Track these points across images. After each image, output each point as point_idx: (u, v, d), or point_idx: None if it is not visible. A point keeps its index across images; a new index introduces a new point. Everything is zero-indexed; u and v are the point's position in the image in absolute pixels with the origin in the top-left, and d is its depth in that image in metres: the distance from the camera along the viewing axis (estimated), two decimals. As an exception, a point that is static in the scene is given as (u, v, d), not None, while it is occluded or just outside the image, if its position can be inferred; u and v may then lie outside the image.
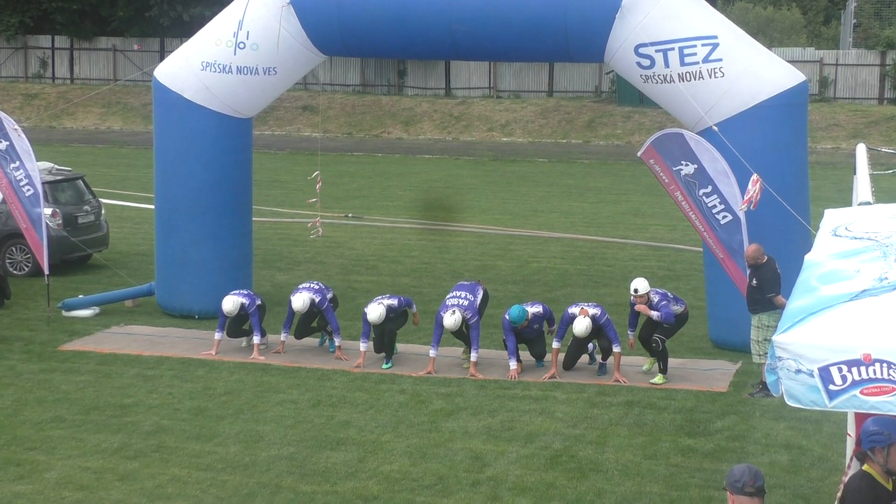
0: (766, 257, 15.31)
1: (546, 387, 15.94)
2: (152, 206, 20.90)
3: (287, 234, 27.46)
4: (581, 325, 16.05)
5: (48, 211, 20.80)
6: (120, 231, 26.11)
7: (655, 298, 16.29)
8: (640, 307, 16.27)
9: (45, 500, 12.10)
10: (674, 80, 16.96)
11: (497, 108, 51.41)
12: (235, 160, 19.46)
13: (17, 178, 19.26)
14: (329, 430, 14.19)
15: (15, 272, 22.27)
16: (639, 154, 17.29)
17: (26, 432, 14.17)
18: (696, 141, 16.54)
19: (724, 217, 16.36)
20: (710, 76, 16.77)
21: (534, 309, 16.84)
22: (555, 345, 16.41)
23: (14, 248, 22.47)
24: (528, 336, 16.82)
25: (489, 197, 34.49)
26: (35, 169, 19.38)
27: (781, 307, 14.77)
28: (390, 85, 54.52)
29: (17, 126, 19.47)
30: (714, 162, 16.31)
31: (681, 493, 12.29)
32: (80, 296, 20.48)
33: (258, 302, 17.64)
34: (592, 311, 16.38)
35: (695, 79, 16.83)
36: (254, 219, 20.72)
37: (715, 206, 16.44)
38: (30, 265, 22.18)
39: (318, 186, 22.65)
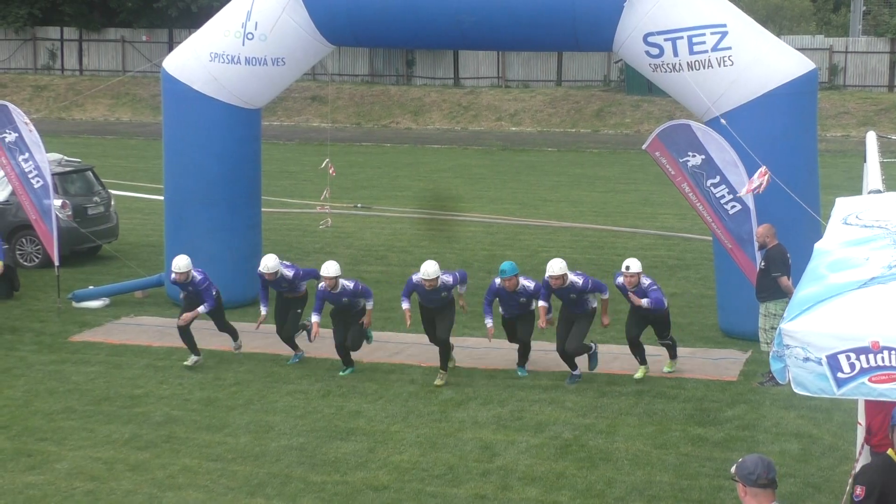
0: (776, 241, 15.31)
1: (556, 377, 15.95)
2: (161, 198, 20.96)
3: (296, 224, 27.51)
4: (555, 263, 15.50)
5: (58, 202, 20.85)
6: (129, 222, 26.17)
7: (646, 282, 15.74)
8: (631, 296, 15.67)
9: (57, 491, 12.15)
10: (682, 69, 16.92)
11: (506, 97, 51.38)
12: (244, 151, 19.50)
13: (27, 170, 19.32)
14: (339, 421, 14.24)
15: (25, 263, 22.35)
16: (644, 147, 17.26)
17: (37, 423, 14.23)
18: (704, 131, 16.48)
19: (733, 207, 16.32)
20: (719, 65, 16.73)
21: (525, 282, 16.01)
22: (541, 303, 15.83)
23: (24, 240, 22.54)
24: (512, 309, 16.09)
25: (498, 186, 34.48)
26: (44, 160, 19.44)
27: (787, 290, 14.86)
28: (399, 75, 54.52)
29: (27, 120, 19.51)
30: (722, 152, 16.26)
31: (691, 483, 12.31)
32: (91, 287, 20.56)
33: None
34: (574, 277, 15.70)
35: (703, 67, 16.79)
36: (263, 209, 20.75)
37: (723, 197, 16.39)
38: (40, 256, 22.25)
39: (331, 171, 22.70)
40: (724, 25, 16.85)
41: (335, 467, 12.79)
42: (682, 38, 16.87)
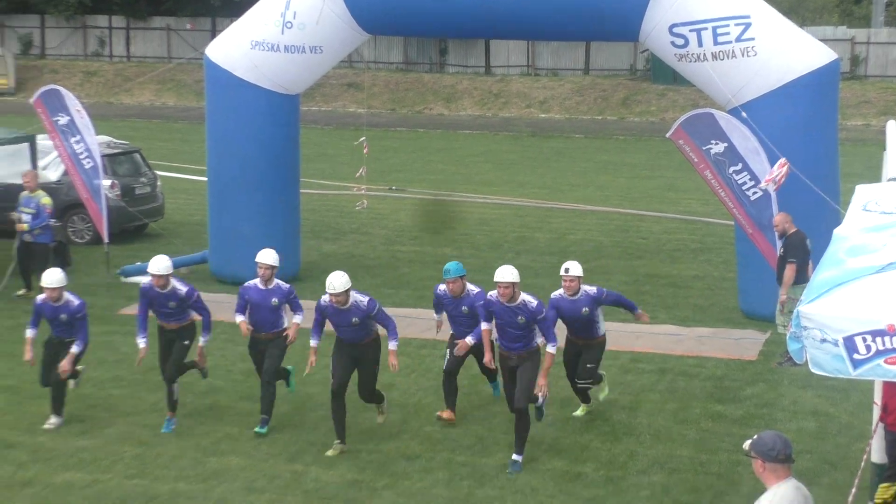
0: (794, 228, 15.28)
1: (581, 354, 15.96)
2: (205, 179, 21.05)
3: (333, 205, 27.57)
4: (504, 270, 12.28)
5: (107, 182, 20.99)
6: (175, 202, 26.28)
7: (592, 290, 13.10)
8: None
9: (107, 454, 12.30)
10: (707, 59, 16.86)
11: (535, 85, 51.24)
12: (284, 135, 19.56)
13: (78, 152, 19.45)
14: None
15: (77, 240, 22.49)
16: (668, 135, 17.22)
17: (89, 391, 14.37)
18: (727, 120, 16.44)
19: (755, 193, 16.28)
20: (743, 55, 16.66)
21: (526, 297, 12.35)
22: (484, 326, 12.61)
23: (76, 218, 22.69)
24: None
25: (527, 171, 34.44)
26: (94, 142, 19.56)
27: (787, 279, 14.89)
28: (432, 63, 54.43)
29: (78, 106, 19.63)
30: (745, 140, 16.23)
31: (710, 457, 12.35)
32: (138, 263, 20.65)
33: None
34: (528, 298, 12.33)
35: (728, 58, 16.73)
36: (301, 191, 20.80)
37: (745, 183, 16.36)
38: (90, 234, 22.38)
39: (364, 150, 22.77)
40: (748, 17, 16.78)
41: (369, 437, 12.87)
42: (706, 28, 16.81)
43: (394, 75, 53.22)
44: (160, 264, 13.02)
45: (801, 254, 15.04)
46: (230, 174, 19.32)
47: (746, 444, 7.62)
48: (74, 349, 12.92)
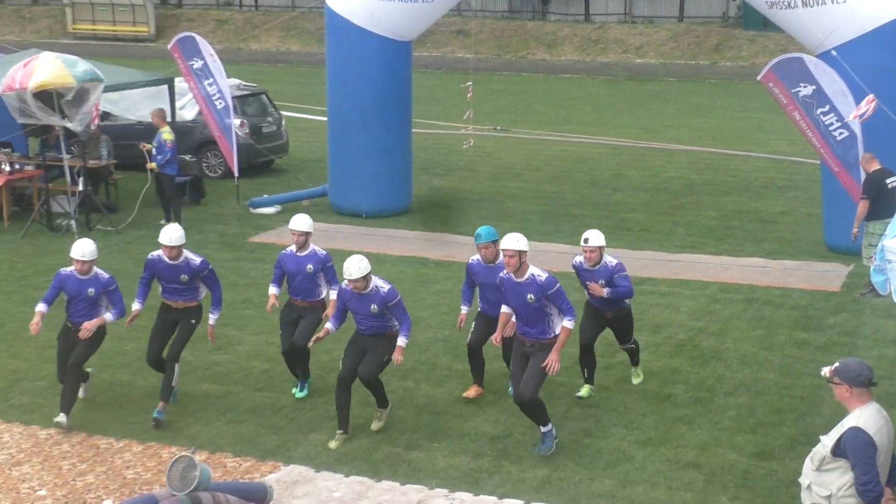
0: (876, 166, 14.94)
1: (672, 284, 15.84)
2: (325, 119, 21.16)
3: (443, 144, 27.55)
4: (510, 237, 10.41)
5: (237, 121, 21.21)
6: (297, 140, 26.47)
7: (612, 262, 11.65)
8: (591, 286, 11.64)
9: (238, 368, 12.56)
10: (797, 6, 16.41)
11: (632, 32, 50.47)
12: (397, 79, 19.55)
13: (211, 93, 19.66)
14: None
15: (210, 174, 22.82)
16: (758, 78, 16.86)
17: (222, 311, 14.61)
18: (816, 64, 16.05)
19: (841, 133, 15.92)
20: (833, 1, 16.18)
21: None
22: (503, 308, 10.90)
23: (209, 154, 23.01)
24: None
25: (624, 113, 34.04)
26: (226, 85, 19.76)
27: (859, 214, 14.59)
28: (535, 11, 53.87)
29: (211, 51, 19.81)
30: (832, 83, 15.84)
31: (794, 381, 12.21)
32: (265, 195, 20.95)
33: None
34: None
35: (818, 4, 16.25)
36: (413, 131, 20.81)
37: (832, 124, 15.99)
38: (222, 169, 22.67)
39: (469, 95, 22.80)
40: (839, -34, 16.29)
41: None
42: (798, -24, 16.37)
43: (499, 23, 52.79)
44: (173, 234, 11.25)
45: (875, 191, 14.73)
46: (348, 114, 19.39)
47: (825, 371, 7.50)
48: (109, 316, 11.19)
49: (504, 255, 10.28)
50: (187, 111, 22.83)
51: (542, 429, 10.42)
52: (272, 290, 12.16)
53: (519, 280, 10.21)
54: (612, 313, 11.88)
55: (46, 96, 17.19)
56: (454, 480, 9.83)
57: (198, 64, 19.67)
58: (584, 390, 11.89)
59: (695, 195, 21.83)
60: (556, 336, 10.27)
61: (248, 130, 22.95)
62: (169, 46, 20.51)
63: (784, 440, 10.77)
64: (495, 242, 11.13)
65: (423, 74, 39.14)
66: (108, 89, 18.81)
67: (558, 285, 10.26)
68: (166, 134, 18.85)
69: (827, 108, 15.95)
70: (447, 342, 13.43)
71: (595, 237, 11.56)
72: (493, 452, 10.52)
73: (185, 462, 7.44)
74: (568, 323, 10.27)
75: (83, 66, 17.69)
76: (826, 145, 16.11)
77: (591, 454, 10.51)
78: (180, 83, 21.35)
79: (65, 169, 18.87)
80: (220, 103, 19.59)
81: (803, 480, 7.60)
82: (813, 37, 16.49)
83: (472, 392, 11.81)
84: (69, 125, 17.57)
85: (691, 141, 28.54)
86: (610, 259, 11.68)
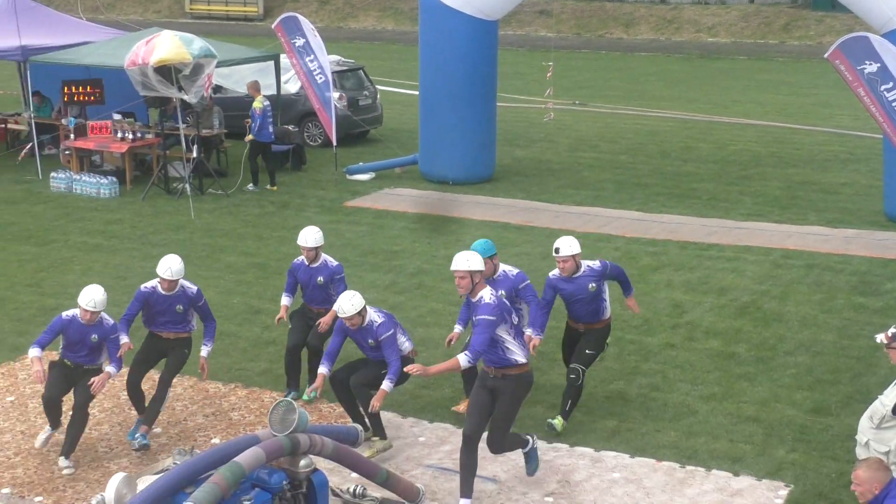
0: None
1: (738, 250, 15.61)
2: (417, 92, 21.16)
3: (524, 117, 27.41)
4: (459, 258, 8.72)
5: (336, 95, 21.29)
6: (391, 112, 26.53)
7: (597, 265, 10.09)
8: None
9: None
10: (864, -11, 16.01)
11: (704, 12, 49.56)
12: (484, 55, 19.43)
13: (312, 69, 19.75)
14: (556, 278, 14.32)
15: (310, 143, 22.98)
16: (826, 56, 16.46)
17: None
18: (881, 43, 15.61)
19: (905, 108, 15.54)
20: (898, -15, 15.75)
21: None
22: (529, 332, 9.73)
23: (310, 124, 23.16)
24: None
25: (695, 89, 33.50)
26: (326, 61, 19.83)
27: None
28: (614, -7, 53.25)
29: (313, 29, 19.89)
30: (896, 58, 15.45)
31: (851, 342, 12.01)
32: (360, 163, 21.06)
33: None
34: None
35: (883, -13, 15.83)
36: (498, 104, 20.71)
37: (895, 100, 15.59)
38: (322, 138, 22.79)
39: (548, 74, 22.65)
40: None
41: (551, 316, 12.87)
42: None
43: (579, 4, 52.20)
44: (173, 265, 9.84)
45: None
46: (438, 88, 19.36)
47: (880, 338, 7.36)
48: (112, 370, 9.49)
49: (455, 276, 8.57)
50: (291, 85, 23.00)
51: (523, 449, 8.91)
52: (284, 300, 10.97)
53: (473, 301, 8.52)
54: (583, 325, 10.17)
55: (165, 71, 17.41)
56: (530, 429, 9.84)
57: (300, 41, 19.76)
58: (557, 422, 9.93)
59: (761, 167, 21.46)
60: (520, 364, 8.47)
61: (345, 103, 23.04)
62: (273, 25, 20.63)
63: (840, 397, 10.63)
64: (492, 258, 9.81)
65: (507, 52, 38.92)
66: (220, 65, 19.00)
67: (494, 318, 8.29)
68: (256, 102, 19.06)
69: (890, 84, 15.50)
70: (526, 301, 13.42)
71: (565, 246, 9.91)
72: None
73: (284, 406, 7.53)
74: (463, 359, 8.36)
75: (198, 43, 17.88)
76: (889, 120, 15.69)
77: (657, 407, 10.47)
78: (286, 59, 21.51)
79: (181, 137, 19.15)
80: (321, 78, 19.68)
81: (861, 437, 7.49)
82: (881, 15, 16.03)
83: (462, 406, 10.23)
84: (185, 97, 17.79)
85: (759, 116, 28.04)
86: (592, 262, 10.12)
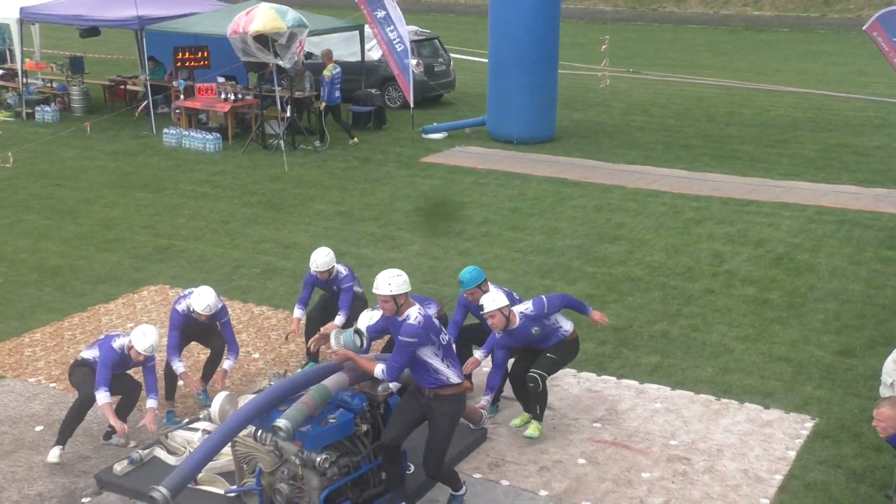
0: None
1: (774, 206, 15.40)
2: (486, 60, 21.06)
3: (582, 83, 27.13)
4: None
5: (413, 61, 21.27)
6: (462, 77, 26.44)
7: (528, 309, 8.37)
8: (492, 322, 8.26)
9: (410, 264, 12.69)
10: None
11: (751, -12, 48.54)
12: (547, 26, 19.23)
13: (392, 38, 19.74)
14: (608, 229, 14.28)
15: (390, 105, 23.01)
16: (864, 28, 16.06)
17: (397, 217, 14.90)
18: (916, 16, 15.23)
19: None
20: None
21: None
22: (478, 355, 8.78)
23: (390, 88, 23.17)
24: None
25: (740, 59, 32.88)
26: (405, 31, 19.79)
27: None
28: (667, -31, 52.17)
29: (393, 3, 19.84)
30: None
31: (877, 292, 11.83)
32: (434, 123, 21.07)
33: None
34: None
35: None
36: (559, 71, 20.55)
37: (926, 70, 15.22)
38: (400, 101, 22.80)
39: (603, 47, 22.42)
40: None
41: (603, 262, 12.91)
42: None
43: (636, -20, 51.38)
44: (210, 300, 8.76)
45: None
46: (505, 55, 19.24)
47: None
48: (152, 403, 8.30)
49: (378, 299, 7.20)
50: (373, 52, 23.00)
51: (453, 491, 7.65)
52: (297, 312, 9.74)
53: (399, 319, 7.21)
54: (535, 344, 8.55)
55: (263, 39, 17.54)
56: (581, 363, 9.91)
57: (381, 13, 19.74)
58: (532, 428, 8.61)
59: (798, 130, 21.07)
60: (455, 384, 7.29)
61: (422, 69, 23.02)
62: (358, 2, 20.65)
63: (865, 341, 10.51)
64: (481, 286, 8.60)
65: (568, 24, 38.42)
66: (311, 34, 19.07)
67: (413, 339, 7.07)
68: (325, 71, 19.18)
69: (922, 55, 15.17)
70: (580, 248, 13.42)
71: (489, 302, 8.21)
72: (615, 341, 10.56)
73: (360, 333, 7.69)
74: (378, 370, 7.22)
75: (292, 14, 17.97)
76: (918, 89, 15.35)
77: (696, 346, 10.46)
78: (369, 29, 21.51)
79: (276, 98, 19.32)
80: (400, 46, 19.68)
81: (886, 378, 7.43)
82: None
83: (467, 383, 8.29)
84: (280, 63, 17.92)
85: (798, 83, 27.45)
86: (524, 308, 8.39)
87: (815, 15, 44.76)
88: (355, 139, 19.51)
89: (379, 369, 7.21)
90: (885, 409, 6.57)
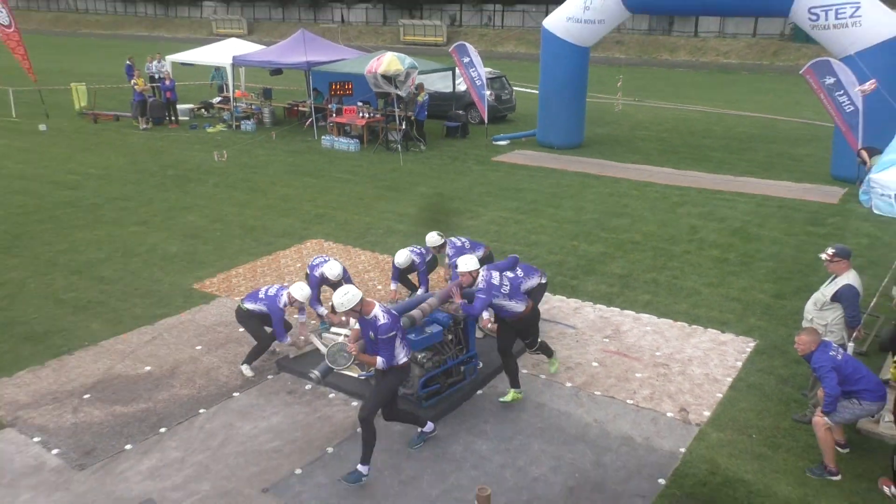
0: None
1: (734, 195, 14.84)
2: (536, 91, 20.68)
3: (603, 107, 26.38)
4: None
5: (488, 92, 20.98)
6: (521, 103, 25.97)
7: (480, 279, 6.94)
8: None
9: (481, 229, 12.63)
10: (830, 28, 14.72)
11: (722, 42, 46.33)
12: (579, 68, 18.76)
13: (474, 76, 19.31)
14: (617, 208, 13.98)
15: (471, 121, 22.69)
16: (801, 72, 15.31)
17: (473, 197, 14.76)
18: (837, 64, 14.42)
19: (849, 107, 14.38)
20: (853, 25, 14.43)
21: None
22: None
23: (471, 110, 22.80)
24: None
25: (713, 92, 31.58)
26: (482, 71, 19.39)
27: (863, 161, 13.10)
28: (664, 29, 50.18)
29: (476, 53, 19.52)
30: (847, 75, 14.24)
31: (803, 255, 11.40)
32: (501, 134, 20.81)
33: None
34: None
35: (843, 27, 14.54)
36: (587, 98, 20.07)
37: (844, 102, 14.43)
38: (478, 118, 22.45)
39: (619, 83, 21.79)
40: (858, 2, 14.43)
41: (613, 230, 12.67)
42: (831, 9, 14.61)
43: (641, 36, 49.52)
44: (337, 270, 8.38)
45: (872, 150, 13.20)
46: (550, 88, 18.83)
47: (822, 256, 6.99)
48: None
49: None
50: (461, 86, 22.76)
51: (359, 466, 6.24)
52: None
53: (367, 318, 6.09)
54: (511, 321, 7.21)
55: (388, 76, 17.50)
56: (597, 297, 9.80)
57: (466, 59, 19.43)
58: (510, 396, 7.39)
59: (753, 142, 20.22)
60: (403, 363, 6.23)
61: (493, 97, 22.69)
62: (450, 49, 20.40)
63: (792, 289, 10.16)
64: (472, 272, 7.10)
65: (594, 66, 37.37)
66: (420, 73, 18.96)
67: (393, 334, 6.11)
68: (419, 97, 19.09)
69: (842, 92, 14.38)
70: (597, 221, 13.16)
71: (463, 263, 6.95)
72: (620, 284, 10.38)
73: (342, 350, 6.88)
74: (379, 361, 6.14)
75: (408, 60, 17.89)
76: (839, 115, 14.60)
77: (676, 289, 10.23)
78: (458, 70, 21.30)
79: (395, 116, 19.32)
80: (479, 81, 19.30)
81: (806, 315, 7.19)
82: (839, 47, 14.78)
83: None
84: (399, 92, 17.89)
85: (753, 110, 26.29)
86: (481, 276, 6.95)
87: (766, 62, 42.81)
88: (423, 146, 19.36)
89: (378, 361, 6.13)
90: (803, 336, 6.41)
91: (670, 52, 47.20)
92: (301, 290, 7.87)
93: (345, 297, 6.04)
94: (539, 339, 7.48)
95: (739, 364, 8.25)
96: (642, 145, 20.01)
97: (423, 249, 8.81)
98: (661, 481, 6.40)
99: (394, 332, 6.13)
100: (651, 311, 9.55)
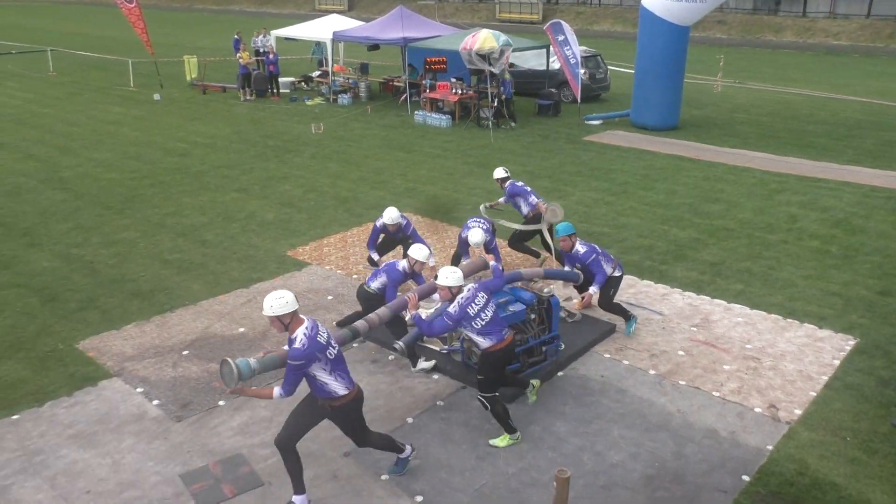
0: None
1: (839, 183, 13.90)
2: (632, 71, 19.92)
3: (701, 89, 25.17)
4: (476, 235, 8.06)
5: (582, 71, 20.40)
6: (615, 82, 25.13)
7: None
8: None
9: (569, 209, 12.29)
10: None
11: (833, 24, 43.29)
12: (678, 48, 17.89)
13: (568, 55, 18.97)
14: (711, 193, 13.36)
15: (564, 100, 22.09)
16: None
17: (564, 177, 14.39)
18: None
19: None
20: None
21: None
22: (591, 290, 7.85)
23: (565, 88, 22.27)
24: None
25: (819, 76, 29.56)
26: (577, 50, 18.93)
27: None
28: (769, 8, 47.31)
29: (570, 30, 19.01)
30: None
31: (914, 251, 10.51)
32: (594, 113, 20.25)
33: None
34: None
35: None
36: (684, 80, 19.14)
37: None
38: (571, 97, 21.87)
39: (720, 63, 20.67)
40: None
41: (707, 216, 12.12)
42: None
43: (745, 15, 46.81)
44: (394, 214, 8.71)
45: None
46: (646, 68, 18.11)
47: None
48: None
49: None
50: (554, 64, 22.23)
51: (294, 498, 5.55)
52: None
53: (291, 337, 5.28)
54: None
55: (482, 53, 17.27)
56: (686, 284, 9.39)
57: (561, 37, 19.00)
58: (500, 440, 6.45)
59: (861, 129, 18.82)
60: (342, 395, 5.38)
61: (588, 76, 22.05)
62: (545, 27, 19.91)
63: (901, 287, 9.40)
64: (571, 236, 7.73)
65: (693, 46, 35.81)
66: (514, 50, 18.62)
67: (299, 362, 5.20)
68: (506, 75, 18.65)
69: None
70: (690, 205, 12.61)
71: (443, 276, 6.04)
72: (711, 272, 9.92)
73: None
74: (276, 391, 5.23)
75: (503, 37, 17.59)
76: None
77: (771, 280, 9.68)
78: (552, 48, 20.80)
79: (488, 93, 19.08)
80: (573, 60, 18.90)
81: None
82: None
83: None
84: (493, 69, 17.64)
85: (863, 95, 24.44)
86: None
87: (881, 45, 39.65)
88: (513, 124, 19.00)
89: (276, 392, 5.22)
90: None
91: (775, 33, 44.45)
92: (420, 251, 7.40)
93: (280, 299, 5.17)
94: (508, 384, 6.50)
95: (837, 362, 7.71)
96: (741, 129, 18.99)
97: (489, 224, 8.56)
98: (745, 478, 6.08)
99: (303, 362, 5.13)
100: (743, 301, 9.07)
